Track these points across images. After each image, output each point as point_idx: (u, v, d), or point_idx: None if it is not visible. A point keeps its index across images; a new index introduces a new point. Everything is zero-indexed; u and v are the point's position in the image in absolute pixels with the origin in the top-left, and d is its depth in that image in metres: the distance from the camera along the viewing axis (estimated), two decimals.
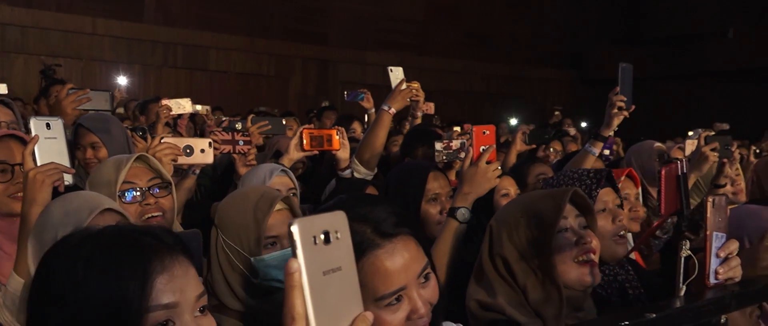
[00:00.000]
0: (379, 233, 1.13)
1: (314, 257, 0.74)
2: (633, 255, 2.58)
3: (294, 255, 0.72)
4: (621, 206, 1.94)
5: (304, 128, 2.80)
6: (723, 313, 1.36)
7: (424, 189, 2.29)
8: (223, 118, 4.95)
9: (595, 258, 1.54)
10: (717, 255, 1.38)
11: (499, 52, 15.03)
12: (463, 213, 1.97)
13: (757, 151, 4.32)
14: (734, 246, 1.39)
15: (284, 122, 3.11)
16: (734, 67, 13.08)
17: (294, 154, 2.73)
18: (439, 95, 9.86)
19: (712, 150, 2.92)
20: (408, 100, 3.01)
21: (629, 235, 2.50)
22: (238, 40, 12.08)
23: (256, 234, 1.61)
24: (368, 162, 2.91)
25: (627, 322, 1.11)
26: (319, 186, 3.04)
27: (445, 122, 7.82)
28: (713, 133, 2.97)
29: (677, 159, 1.28)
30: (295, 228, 0.72)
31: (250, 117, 2.92)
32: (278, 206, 1.67)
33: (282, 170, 2.35)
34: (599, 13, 16.06)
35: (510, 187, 2.71)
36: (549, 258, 1.47)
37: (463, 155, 2.46)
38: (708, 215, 1.32)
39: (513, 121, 7.45)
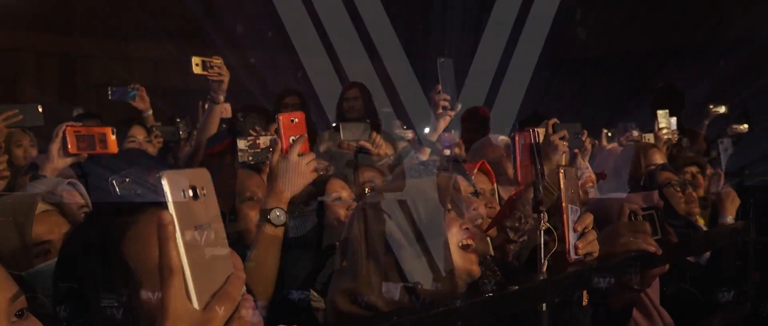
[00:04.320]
0: None
1: (184, 210, 0.91)
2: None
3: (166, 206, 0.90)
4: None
5: (67, 125, 2.82)
6: (584, 288, 1.75)
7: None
8: None
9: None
10: (574, 229, 1.77)
11: None
12: (277, 215, 2.13)
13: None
14: (589, 219, 1.79)
15: (40, 109, 3.10)
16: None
17: (58, 162, 2.73)
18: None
19: (561, 138, 3.19)
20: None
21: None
22: None
23: (21, 244, 1.72)
24: None
25: (491, 294, 1.43)
26: None
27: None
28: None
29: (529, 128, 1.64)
30: (164, 181, 0.89)
31: None
32: (42, 207, 1.80)
33: None
34: None
35: (341, 191, 2.99)
36: (440, 238, 1.69)
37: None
38: (561, 187, 1.69)
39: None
